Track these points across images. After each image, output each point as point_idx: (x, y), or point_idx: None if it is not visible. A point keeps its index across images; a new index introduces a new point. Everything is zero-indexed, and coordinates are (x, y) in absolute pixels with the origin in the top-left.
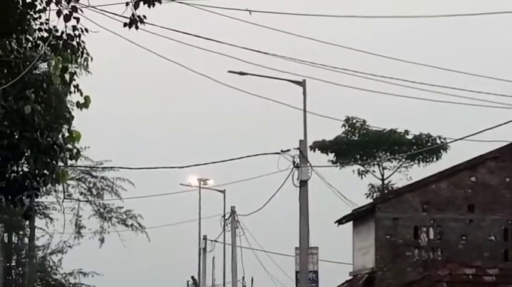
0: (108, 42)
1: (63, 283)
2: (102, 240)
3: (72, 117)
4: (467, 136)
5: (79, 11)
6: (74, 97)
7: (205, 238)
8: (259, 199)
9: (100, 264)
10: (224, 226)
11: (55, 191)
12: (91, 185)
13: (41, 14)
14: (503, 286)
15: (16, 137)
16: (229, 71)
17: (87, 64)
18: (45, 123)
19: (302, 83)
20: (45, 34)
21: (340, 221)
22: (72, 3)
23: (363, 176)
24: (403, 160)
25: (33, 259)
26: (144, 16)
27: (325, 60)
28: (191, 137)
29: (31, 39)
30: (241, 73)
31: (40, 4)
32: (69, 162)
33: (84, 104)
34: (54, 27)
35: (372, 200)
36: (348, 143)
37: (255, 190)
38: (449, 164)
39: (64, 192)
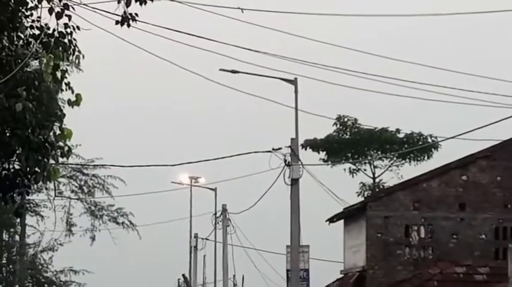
0: (100, 40)
1: (54, 280)
2: (93, 238)
3: (64, 115)
4: (459, 135)
5: (71, 9)
6: (65, 95)
7: (196, 236)
8: (250, 197)
9: (91, 262)
10: (215, 224)
11: (46, 188)
12: (82, 183)
13: (33, 11)
14: (494, 285)
15: (7, 134)
16: (221, 69)
17: (78, 62)
18: (37, 121)
19: (293, 82)
20: (37, 32)
21: (331, 220)
22: (64, 1)
23: (354, 174)
24: (395, 158)
25: (24, 256)
26: (136, 14)
27: (318, 58)
28: (182, 135)
29: (22, 36)
30: (233, 71)
31: (32, 1)
32: (61, 160)
33: (76, 102)
34: (45, 24)
35: (363, 199)
36: (339, 141)
37: (246, 188)
38: (440, 162)
39: (55, 190)
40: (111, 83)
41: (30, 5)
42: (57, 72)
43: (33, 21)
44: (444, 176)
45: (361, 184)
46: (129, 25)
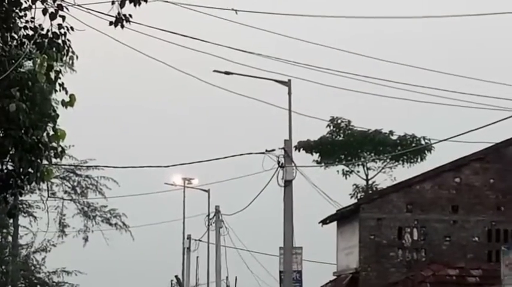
0: (94, 41)
1: (47, 281)
2: (86, 239)
3: (57, 115)
4: (452, 137)
5: (65, 10)
6: (59, 95)
7: (189, 238)
8: (243, 198)
9: (84, 263)
10: (208, 225)
11: (39, 189)
12: (75, 183)
13: (27, 12)
14: None
15: (1, 135)
16: (215, 71)
17: (72, 63)
18: (30, 121)
19: (287, 83)
20: (31, 32)
21: (324, 221)
22: (58, 2)
23: (348, 176)
24: (388, 160)
25: (16, 257)
26: (130, 15)
27: (311, 60)
28: (176, 136)
29: (16, 37)
30: (226, 73)
31: (26, 2)
32: (54, 160)
33: (70, 103)
34: (39, 25)
35: (356, 201)
36: (332, 143)
37: (239, 189)
38: (433, 165)
39: (48, 190)
40: (105, 84)
41: (24, 5)
42: (50, 73)
43: (27, 21)
44: (437, 179)
45: (354, 186)
46: (122, 26)
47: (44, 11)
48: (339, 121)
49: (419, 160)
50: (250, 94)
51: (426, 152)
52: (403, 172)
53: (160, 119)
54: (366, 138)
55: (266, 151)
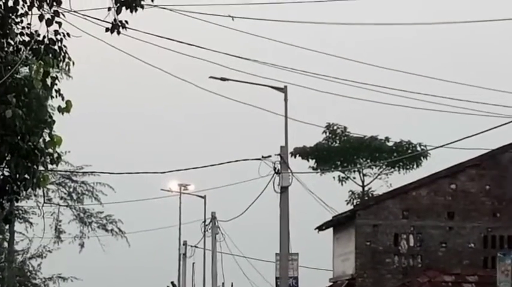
0: (90, 47)
1: None
2: (82, 245)
3: (54, 121)
4: (448, 144)
5: (61, 16)
6: (55, 102)
7: (185, 244)
8: (240, 204)
9: (80, 269)
10: (204, 231)
11: (35, 195)
12: (71, 189)
13: (23, 18)
14: None
15: None
16: (211, 77)
17: (68, 69)
18: (26, 127)
19: (283, 89)
20: (27, 38)
21: (320, 228)
22: (54, 8)
23: (344, 182)
24: (384, 166)
25: (12, 263)
26: (127, 21)
27: (308, 67)
28: (172, 142)
29: (12, 43)
30: (222, 79)
31: (22, 8)
32: (50, 166)
33: (66, 109)
34: (36, 31)
35: (352, 207)
36: (328, 149)
37: (235, 195)
38: (429, 171)
39: (44, 196)
40: (101, 90)
41: (21, 11)
42: (47, 79)
43: (23, 27)
44: (433, 185)
45: (350, 192)
46: (119, 32)
47: (41, 17)
48: (335, 127)
49: (415, 166)
50: (246, 100)
51: (422, 158)
52: (399, 178)
53: (157, 125)
54: (362, 145)
55: (262, 157)
